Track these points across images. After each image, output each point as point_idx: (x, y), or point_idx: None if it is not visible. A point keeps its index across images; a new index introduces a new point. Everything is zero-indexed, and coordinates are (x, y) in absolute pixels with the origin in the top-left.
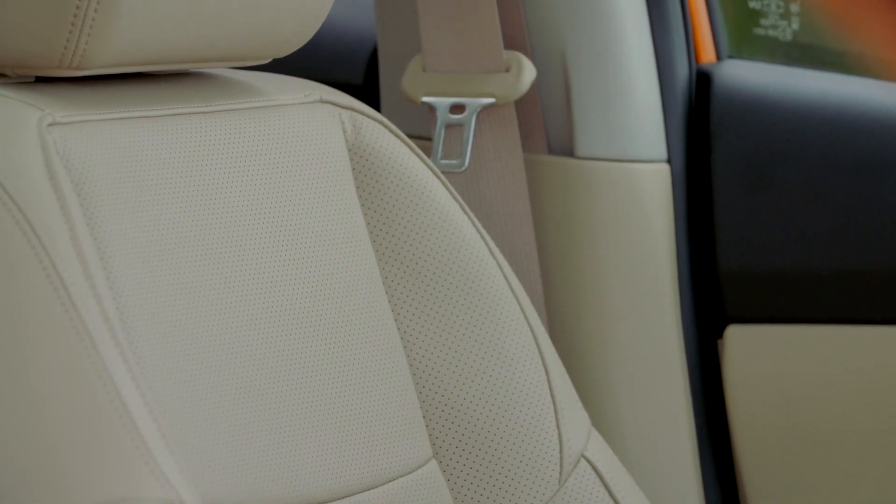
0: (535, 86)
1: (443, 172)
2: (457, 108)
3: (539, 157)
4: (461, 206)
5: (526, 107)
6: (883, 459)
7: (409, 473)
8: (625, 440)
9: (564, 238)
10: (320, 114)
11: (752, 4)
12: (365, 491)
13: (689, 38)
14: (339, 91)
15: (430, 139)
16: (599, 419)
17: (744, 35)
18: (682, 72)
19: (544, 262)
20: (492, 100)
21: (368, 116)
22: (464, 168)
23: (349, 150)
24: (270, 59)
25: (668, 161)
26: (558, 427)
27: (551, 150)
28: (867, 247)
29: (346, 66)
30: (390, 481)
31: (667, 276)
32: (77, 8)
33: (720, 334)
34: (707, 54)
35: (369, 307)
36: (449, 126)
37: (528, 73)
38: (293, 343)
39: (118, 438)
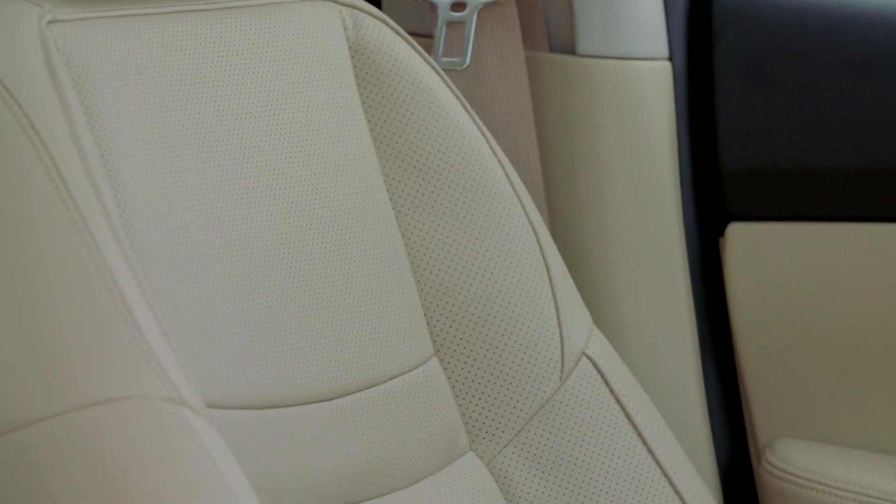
0: None
1: (444, 70)
2: (458, 6)
3: (540, 55)
4: (462, 103)
5: (527, 4)
6: (881, 356)
7: (409, 371)
8: (626, 338)
9: (565, 136)
10: (321, 11)
11: None
12: (366, 389)
13: None
14: None
15: (431, 37)
16: (600, 317)
17: None
18: None
19: (545, 159)
20: None
21: (369, 14)
22: (465, 66)
23: (350, 48)
24: None
25: (670, 58)
26: (559, 324)
27: (552, 48)
28: (868, 144)
29: None
30: (391, 379)
31: (668, 174)
32: None
33: (721, 232)
34: None
35: (370, 205)
36: (450, 24)
37: None
38: (294, 240)
39: (118, 336)
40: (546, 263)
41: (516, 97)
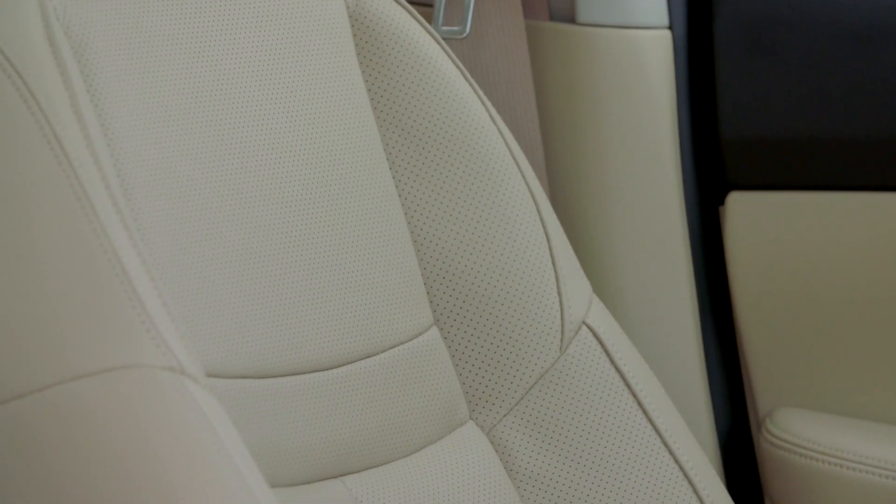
0: None
1: (444, 39)
2: None
3: (540, 24)
4: (462, 72)
5: None
6: (881, 325)
7: (409, 340)
8: (626, 307)
9: (566, 105)
10: None
11: None
12: (366, 358)
13: None
14: None
15: (430, 5)
16: (601, 286)
17: None
18: None
19: (545, 129)
20: None
21: None
22: (465, 35)
23: (350, 17)
24: None
25: (670, 27)
26: (559, 294)
27: (552, 17)
28: (868, 113)
29: None
30: (391, 348)
31: (668, 143)
32: None
33: (721, 201)
34: None
35: (370, 174)
36: None
37: None
38: (294, 209)
39: (119, 305)
40: (546, 233)
41: (516, 66)
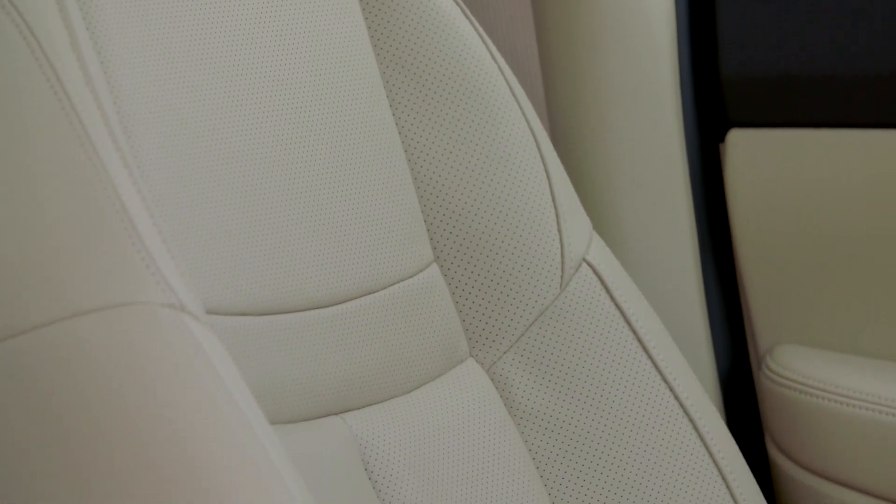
0: None
1: None
2: None
3: None
4: (462, 10)
5: None
6: (881, 262)
7: (409, 277)
8: (626, 244)
9: (566, 42)
10: None
11: None
12: (366, 295)
13: None
14: None
15: None
16: (601, 224)
17: None
18: None
19: (546, 66)
20: None
21: None
22: None
23: None
24: None
25: None
26: (559, 231)
27: None
28: (869, 50)
29: None
30: (391, 285)
31: (668, 80)
32: None
33: (722, 138)
34: None
35: (370, 111)
36: None
37: None
38: (294, 147)
39: (119, 242)
40: (546, 170)
41: (517, 3)
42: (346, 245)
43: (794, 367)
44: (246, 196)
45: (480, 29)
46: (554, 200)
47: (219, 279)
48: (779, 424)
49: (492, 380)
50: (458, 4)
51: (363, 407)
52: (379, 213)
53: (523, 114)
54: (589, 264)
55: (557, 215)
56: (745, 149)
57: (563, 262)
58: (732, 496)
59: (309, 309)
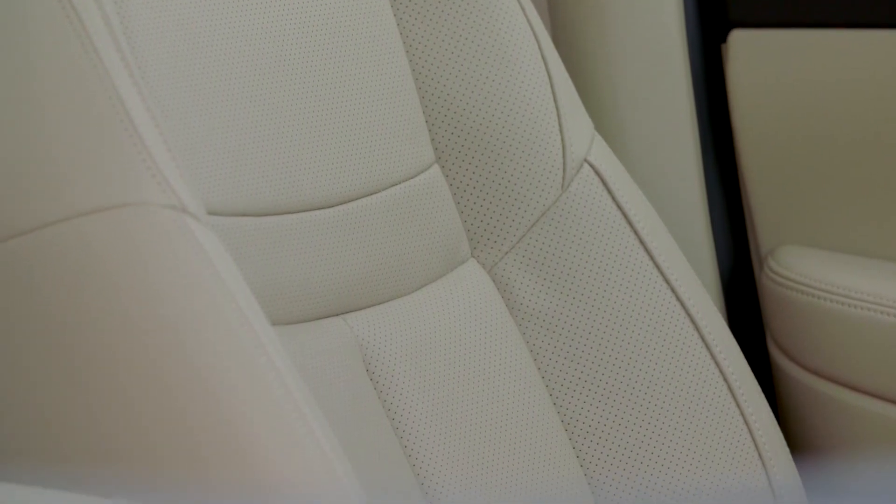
0: None
1: None
2: None
3: None
4: None
5: None
6: (883, 163)
7: (411, 178)
8: (628, 145)
9: None
10: None
11: None
12: (367, 196)
13: None
14: None
15: None
16: (602, 125)
17: None
18: None
19: None
20: None
21: None
22: None
23: None
24: None
25: None
26: (561, 131)
27: None
28: None
29: None
30: (393, 186)
31: None
32: None
33: (724, 39)
34: None
35: (371, 11)
36: None
37: None
38: (294, 47)
39: (120, 144)
40: (548, 70)
41: None
42: (347, 146)
43: (796, 268)
44: (246, 96)
45: None
46: (555, 100)
47: (219, 179)
48: (780, 325)
49: (493, 280)
50: None
51: (364, 308)
52: (380, 114)
53: (524, 13)
54: (591, 165)
55: (559, 115)
56: (747, 49)
57: (564, 163)
58: (734, 395)
59: (310, 210)
